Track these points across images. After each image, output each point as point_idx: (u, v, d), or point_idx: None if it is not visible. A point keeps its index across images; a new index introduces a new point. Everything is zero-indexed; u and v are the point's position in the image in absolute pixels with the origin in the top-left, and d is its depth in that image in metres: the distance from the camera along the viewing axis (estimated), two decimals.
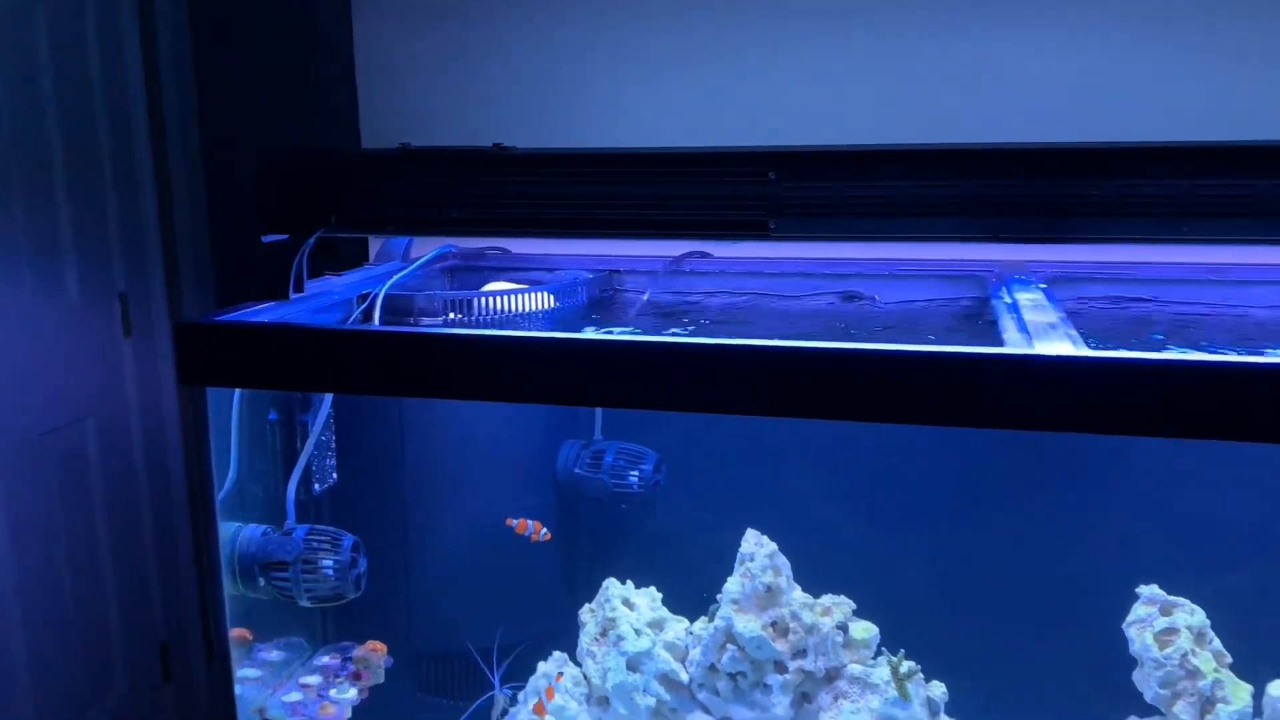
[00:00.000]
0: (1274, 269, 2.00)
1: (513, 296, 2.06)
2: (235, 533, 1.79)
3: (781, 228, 1.62)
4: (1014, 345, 1.46)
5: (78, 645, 1.53)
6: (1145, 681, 1.84)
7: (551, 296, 2.08)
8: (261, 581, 1.78)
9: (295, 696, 1.88)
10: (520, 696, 2.01)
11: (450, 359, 1.66)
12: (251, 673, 1.89)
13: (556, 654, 2.02)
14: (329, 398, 1.94)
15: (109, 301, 1.58)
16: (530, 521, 2.06)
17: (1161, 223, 1.54)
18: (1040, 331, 1.50)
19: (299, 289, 1.87)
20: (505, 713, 2.01)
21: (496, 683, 2.04)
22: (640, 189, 1.66)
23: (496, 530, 2.13)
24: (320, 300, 1.96)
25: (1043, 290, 1.89)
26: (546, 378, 1.64)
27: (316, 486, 1.98)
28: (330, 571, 1.79)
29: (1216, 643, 1.84)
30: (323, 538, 1.81)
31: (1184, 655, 1.80)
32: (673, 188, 1.64)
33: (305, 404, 1.95)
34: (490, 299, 2.03)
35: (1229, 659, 1.84)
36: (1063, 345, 1.41)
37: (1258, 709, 1.81)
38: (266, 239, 1.84)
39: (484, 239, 2.28)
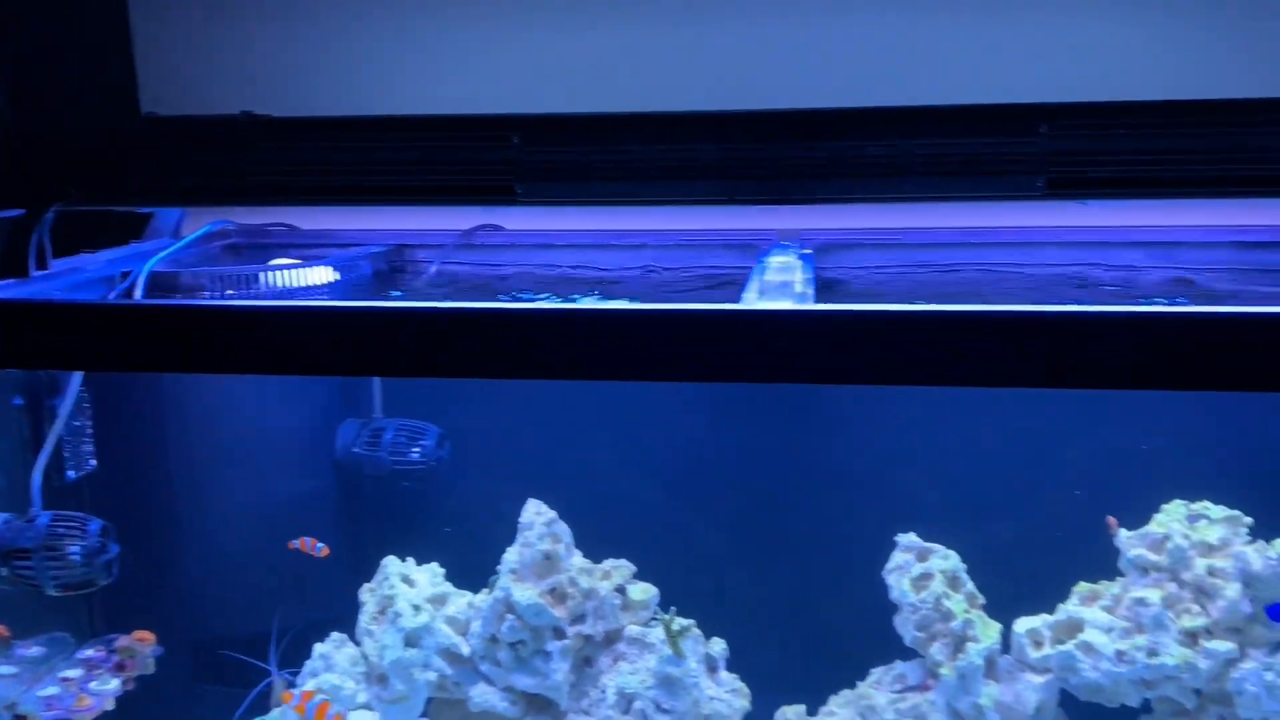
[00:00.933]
0: (1035, 231, 2.11)
1: (288, 271, 2.00)
2: None
3: (529, 193, 1.62)
4: (743, 304, 1.50)
5: None
6: (904, 625, 1.93)
7: (332, 270, 2.03)
8: (4, 570, 1.70)
9: (51, 690, 1.80)
10: (299, 679, 1.97)
11: (211, 331, 1.61)
12: (6, 669, 1.80)
13: (335, 634, 1.99)
14: (77, 380, 1.86)
15: None
16: (308, 540, 2.03)
17: (888, 181, 1.61)
18: (769, 290, 1.55)
19: (41, 265, 1.79)
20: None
21: (274, 669, 2.00)
22: (383, 154, 1.64)
23: (276, 513, 2.09)
24: (71, 278, 1.87)
25: (803, 256, 1.95)
26: (313, 348, 1.60)
27: (72, 473, 1.90)
28: (77, 557, 1.72)
29: (969, 585, 1.94)
30: (69, 523, 1.73)
31: (938, 599, 1.89)
32: (415, 153, 1.63)
33: (53, 388, 1.86)
34: (263, 274, 1.97)
35: (981, 600, 1.94)
36: (783, 302, 1.46)
37: (1007, 646, 1.92)
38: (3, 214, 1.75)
39: (233, 207, 2.21)
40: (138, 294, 1.88)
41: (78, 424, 1.92)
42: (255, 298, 1.95)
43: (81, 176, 1.75)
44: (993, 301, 1.70)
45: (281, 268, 1.99)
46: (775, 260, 1.84)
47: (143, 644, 1.92)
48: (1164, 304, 1.72)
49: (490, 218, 2.25)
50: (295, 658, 2.02)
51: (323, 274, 2.01)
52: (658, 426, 2.19)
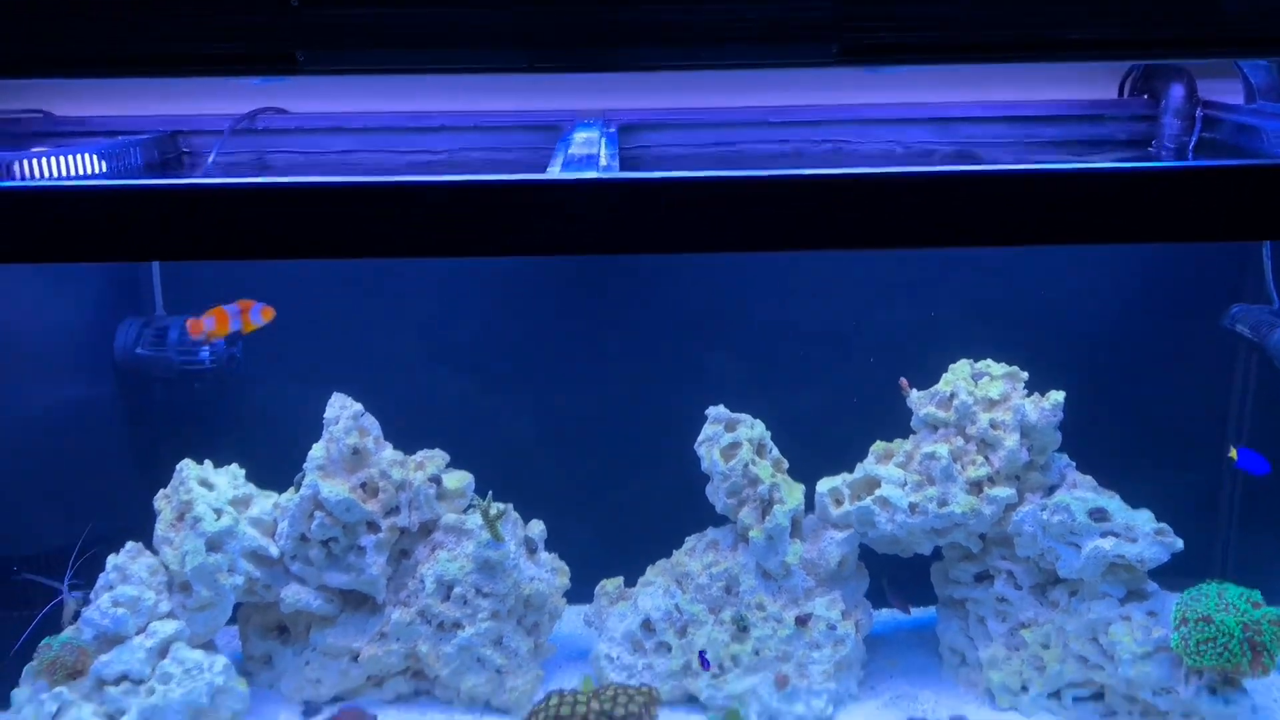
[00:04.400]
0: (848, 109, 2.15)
1: (48, 159, 1.82)
2: None
3: (311, 61, 1.51)
4: (548, 174, 1.47)
5: None
6: (715, 494, 1.99)
7: (98, 159, 1.86)
8: None
9: None
10: (92, 595, 1.85)
11: None
12: None
13: (129, 544, 1.88)
14: None
15: None
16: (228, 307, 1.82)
17: (686, 49, 1.59)
18: (573, 163, 1.52)
19: None
20: (77, 614, 1.85)
21: (65, 587, 1.87)
22: (145, 19, 1.49)
23: (53, 421, 1.93)
24: None
25: (607, 135, 1.92)
26: (89, 231, 1.46)
27: None
28: None
29: (775, 452, 2.02)
30: None
31: (746, 465, 1.96)
32: (183, 18, 1.48)
33: None
34: (21, 163, 1.78)
35: (786, 465, 2.02)
36: (585, 173, 1.43)
37: (811, 506, 2.02)
38: None
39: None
40: None
41: None
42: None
43: None
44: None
45: (44, 154, 1.81)
46: (579, 137, 1.81)
47: None
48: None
49: (271, 97, 2.11)
50: (87, 573, 1.89)
51: (89, 162, 1.85)
52: (461, 313, 2.14)
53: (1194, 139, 2.08)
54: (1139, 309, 2.12)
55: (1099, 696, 1.86)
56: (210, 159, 2.07)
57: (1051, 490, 1.93)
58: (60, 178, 1.80)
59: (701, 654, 1.89)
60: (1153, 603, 1.82)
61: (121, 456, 2.03)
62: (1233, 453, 1.96)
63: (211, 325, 1.77)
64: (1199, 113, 2.08)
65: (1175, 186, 1.45)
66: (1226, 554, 2.18)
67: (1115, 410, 2.12)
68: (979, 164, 2.02)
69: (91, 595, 1.86)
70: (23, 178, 1.76)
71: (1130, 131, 2.17)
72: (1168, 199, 1.45)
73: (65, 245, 1.47)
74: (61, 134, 2.13)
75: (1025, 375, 1.96)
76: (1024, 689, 1.90)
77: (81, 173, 1.84)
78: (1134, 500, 1.89)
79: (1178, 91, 2.09)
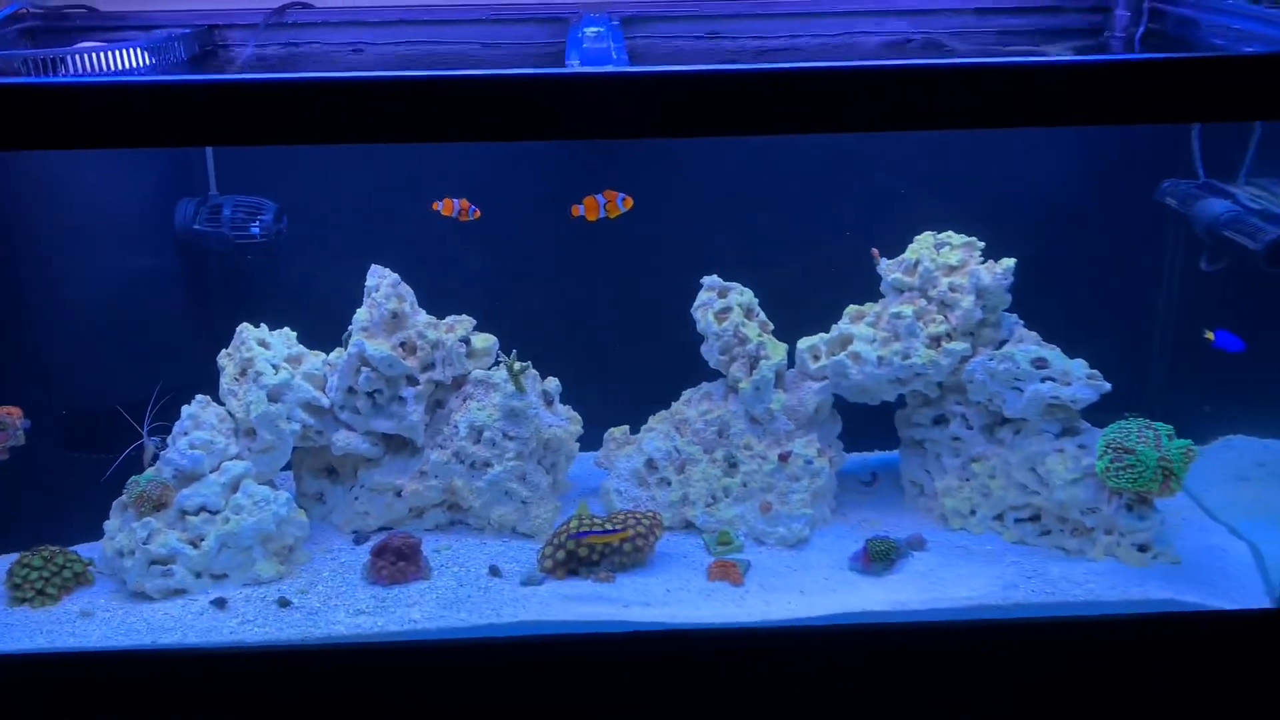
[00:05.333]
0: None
1: (99, 54, 2.01)
2: None
3: None
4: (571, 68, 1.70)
5: None
6: (709, 352, 2.27)
7: (145, 53, 2.05)
8: None
9: None
10: (168, 440, 2.13)
11: (37, 109, 1.65)
12: None
13: (199, 396, 2.15)
14: None
15: None
16: (455, 201, 2.10)
17: None
18: (589, 58, 1.74)
19: None
20: (156, 457, 2.13)
21: (145, 431, 2.15)
22: None
23: (124, 289, 2.17)
24: None
25: (611, 28, 2.13)
26: (146, 120, 1.67)
27: None
28: None
29: (761, 315, 2.29)
30: None
31: (736, 327, 2.23)
32: None
33: None
34: (75, 57, 1.98)
35: (771, 326, 2.29)
36: (606, 67, 1.67)
37: (792, 361, 2.30)
38: None
39: None
40: None
41: None
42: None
43: None
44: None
45: (96, 49, 2.01)
46: (589, 31, 2.02)
47: (10, 417, 2.02)
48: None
49: None
50: (160, 426, 2.16)
51: (136, 56, 2.04)
52: (485, 197, 2.38)
53: (1140, 29, 2.31)
54: (1085, 185, 2.38)
55: (1036, 518, 2.18)
56: (248, 50, 2.27)
57: (1002, 344, 2.21)
58: (114, 71, 2.01)
59: None
60: (1084, 438, 2.13)
61: (184, 321, 2.28)
62: (1209, 334, 2.23)
63: (584, 210, 2.06)
64: (1146, 5, 2.31)
65: (1116, 76, 1.70)
66: (1155, 401, 2.49)
67: (1064, 275, 2.40)
68: (945, 53, 2.25)
69: (169, 440, 2.13)
70: (74, 71, 1.97)
71: (1085, 22, 2.40)
72: (1110, 87, 1.69)
73: (136, 131, 1.69)
74: (105, 29, 2.32)
75: (982, 244, 2.23)
76: (972, 513, 2.22)
77: (131, 66, 2.04)
78: (1076, 354, 2.18)
79: None
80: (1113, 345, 2.30)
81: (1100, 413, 2.13)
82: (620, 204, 2.08)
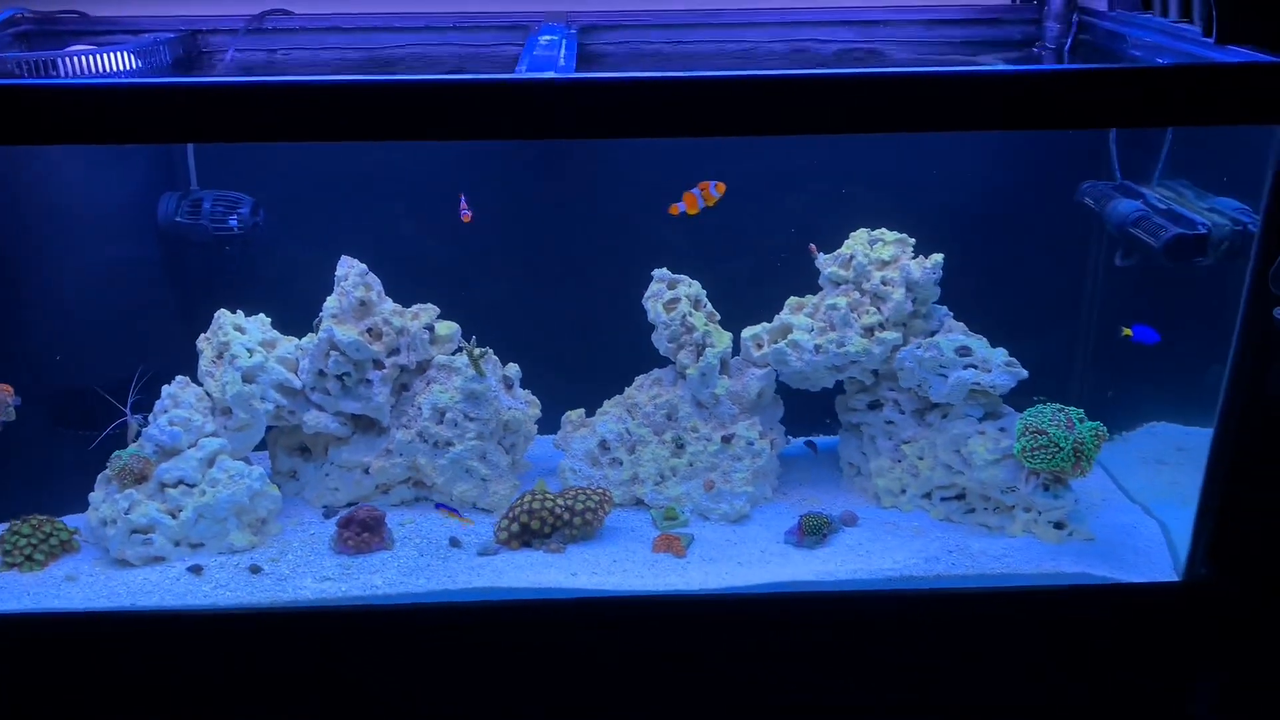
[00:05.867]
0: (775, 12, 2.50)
1: (90, 56, 2.16)
2: None
3: None
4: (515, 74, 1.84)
5: None
6: (659, 340, 2.42)
7: (132, 56, 2.20)
8: None
9: None
10: (150, 418, 2.27)
11: (30, 109, 1.79)
12: None
13: (179, 377, 2.29)
14: None
15: None
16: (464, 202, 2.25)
17: None
18: (537, 64, 1.89)
19: None
20: (138, 434, 2.28)
21: (128, 411, 2.29)
22: None
23: (109, 276, 2.32)
24: None
25: (568, 35, 2.28)
26: (130, 119, 1.81)
27: None
28: None
29: (708, 306, 2.43)
30: None
31: (684, 316, 2.38)
32: None
33: None
34: (66, 59, 2.12)
35: (718, 316, 2.44)
36: (546, 73, 1.81)
37: (737, 350, 2.45)
38: None
39: None
40: None
41: None
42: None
43: None
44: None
45: (86, 51, 2.16)
46: (543, 39, 2.17)
47: (3, 393, 2.17)
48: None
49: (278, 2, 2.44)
50: (142, 405, 2.31)
51: (124, 59, 2.19)
52: (448, 193, 2.53)
53: (1069, 41, 2.46)
54: (1013, 185, 2.53)
55: (961, 496, 2.33)
56: (228, 55, 2.42)
57: (932, 335, 2.36)
58: (103, 74, 2.15)
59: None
60: (1004, 421, 2.28)
61: (166, 307, 2.43)
62: (1127, 330, 2.38)
63: (684, 207, 2.19)
64: (1075, 18, 2.46)
65: (1041, 86, 1.83)
66: (1079, 389, 2.64)
67: (994, 270, 2.55)
68: (887, 62, 2.40)
69: (150, 418, 2.28)
70: (66, 73, 2.11)
71: (1021, 33, 2.55)
72: (1036, 96, 1.83)
73: (122, 129, 1.84)
74: (96, 33, 2.47)
75: (913, 241, 2.38)
76: (903, 492, 2.37)
77: (119, 68, 2.19)
78: (1007, 345, 2.32)
79: (1056, 0, 2.46)
80: (1039, 337, 2.45)
81: (1023, 398, 2.28)
82: (714, 190, 2.19)
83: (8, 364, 2.23)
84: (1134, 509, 2.37)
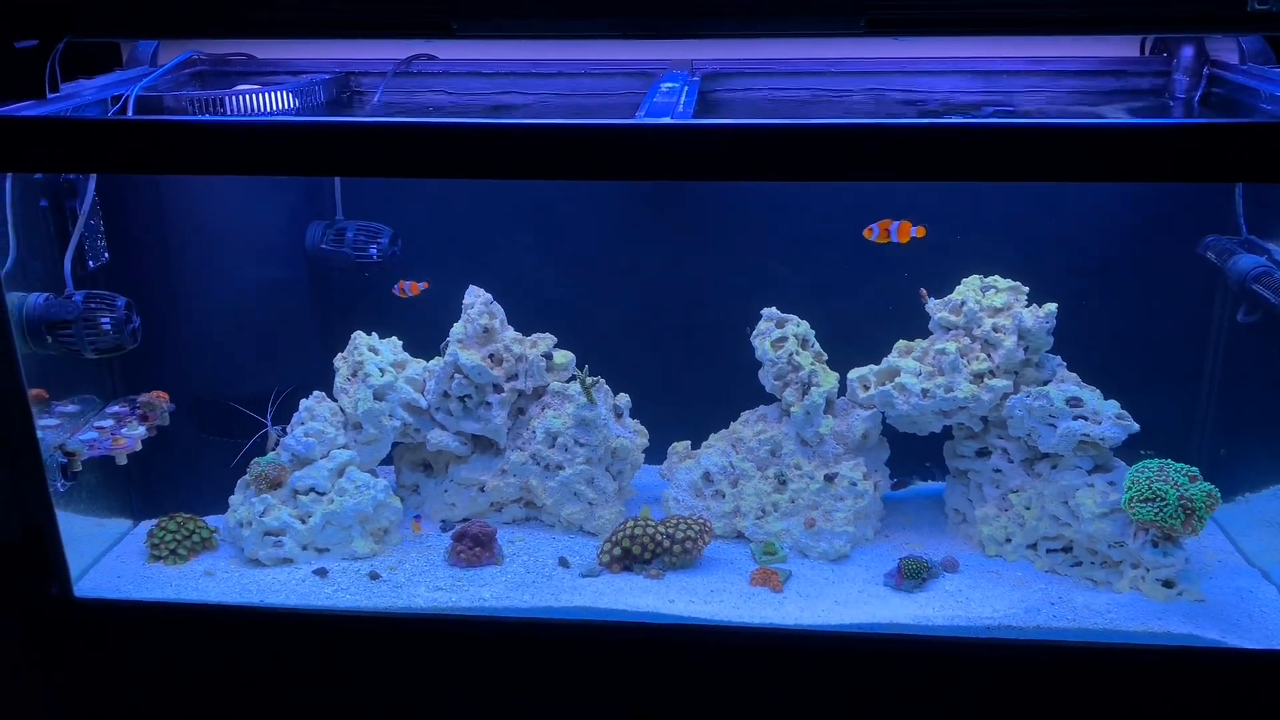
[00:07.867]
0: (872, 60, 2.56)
1: (253, 95, 2.37)
2: (21, 300, 2.11)
3: (463, 29, 2.01)
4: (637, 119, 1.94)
5: None
6: (765, 377, 2.47)
7: (291, 95, 2.41)
8: (49, 339, 2.11)
9: (91, 435, 2.26)
10: (288, 428, 2.45)
11: (198, 143, 1.99)
12: (49, 422, 2.24)
13: (316, 392, 2.47)
14: (92, 186, 2.24)
15: None
16: (408, 285, 2.51)
17: (747, 20, 2.03)
18: (656, 110, 1.99)
19: (54, 89, 2.14)
20: (277, 443, 2.46)
21: (269, 421, 2.48)
22: None
23: (260, 296, 2.52)
24: (75, 101, 2.23)
25: (691, 82, 2.38)
26: (284, 154, 1.99)
27: (91, 263, 2.30)
28: (109, 326, 2.15)
29: (816, 345, 2.48)
30: (99, 300, 2.15)
31: (790, 355, 2.43)
32: None
33: (72, 191, 2.24)
34: (233, 98, 2.34)
35: (825, 356, 2.48)
36: (663, 119, 1.90)
37: (843, 390, 2.48)
38: (19, 44, 2.08)
39: (202, 40, 2.55)
40: (130, 113, 2.26)
41: (92, 222, 2.31)
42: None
43: (82, 11, 2.08)
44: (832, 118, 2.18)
45: (251, 91, 2.37)
46: (664, 86, 2.27)
47: (160, 400, 2.38)
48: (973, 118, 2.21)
49: (424, 45, 2.62)
50: (281, 416, 2.50)
51: (284, 99, 2.39)
52: (571, 229, 2.66)
53: (1199, 94, 2.43)
54: (1133, 237, 2.50)
55: (1068, 549, 2.30)
56: (377, 97, 2.61)
57: (1044, 384, 2.35)
58: (266, 112, 2.35)
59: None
60: (1114, 475, 2.25)
61: (308, 327, 2.62)
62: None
63: (877, 232, 2.33)
64: (1206, 71, 2.43)
65: (1171, 139, 1.83)
66: (1199, 449, 2.57)
67: (1111, 323, 2.52)
68: (1014, 113, 2.41)
69: (287, 429, 2.46)
70: (232, 111, 2.32)
71: (1147, 85, 2.53)
72: (1164, 148, 1.83)
73: (277, 162, 2.02)
74: (262, 73, 2.69)
75: (1026, 289, 2.38)
76: (1008, 540, 2.35)
77: (279, 107, 2.39)
78: (1124, 398, 2.29)
79: (1187, 52, 2.45)
80: (1156, 391, 2.41)
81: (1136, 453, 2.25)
82: (914, 233, 2.31)
83: (165, 372, 2.45)
84: (1252, 572, 2.30)
